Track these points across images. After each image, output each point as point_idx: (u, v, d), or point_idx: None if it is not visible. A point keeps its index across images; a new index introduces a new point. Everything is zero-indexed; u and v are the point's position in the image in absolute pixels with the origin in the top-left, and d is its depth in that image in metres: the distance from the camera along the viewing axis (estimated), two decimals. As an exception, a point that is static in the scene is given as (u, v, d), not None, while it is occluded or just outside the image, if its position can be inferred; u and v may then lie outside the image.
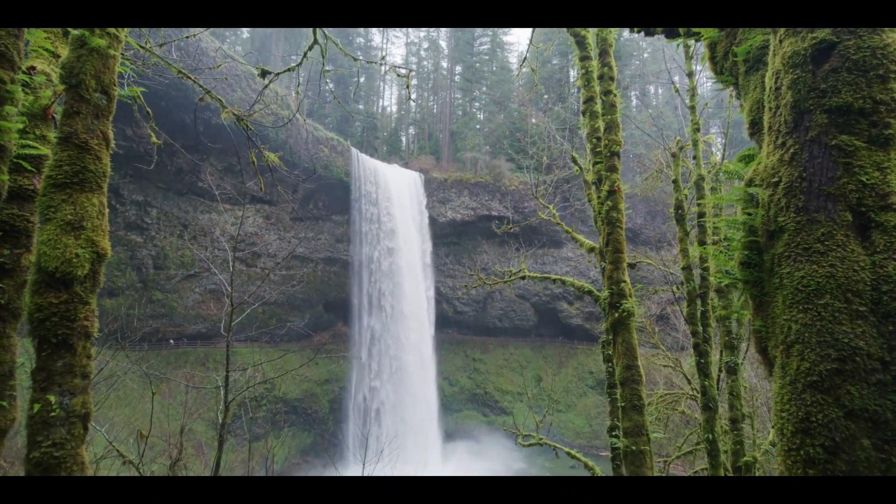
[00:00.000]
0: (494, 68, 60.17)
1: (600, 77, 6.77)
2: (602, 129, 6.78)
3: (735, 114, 11.37)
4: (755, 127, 2.51)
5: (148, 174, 28.71)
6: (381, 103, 66.00)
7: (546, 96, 53.10)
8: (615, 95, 6.62)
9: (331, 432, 37.55)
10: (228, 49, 37.56)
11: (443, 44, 63.86)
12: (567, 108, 47.72)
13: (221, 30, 47.60)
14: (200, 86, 5.95)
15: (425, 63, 65.77)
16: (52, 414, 2.95)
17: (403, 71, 6.60)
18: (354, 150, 39.89)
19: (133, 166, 27.21)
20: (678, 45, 8.82)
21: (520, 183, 45.53)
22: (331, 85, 6.55)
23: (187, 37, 6.02)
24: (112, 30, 3.53)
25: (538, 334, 50.73)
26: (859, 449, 1.62)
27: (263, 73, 5.97)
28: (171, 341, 32.90)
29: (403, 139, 63.80)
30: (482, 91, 59.57)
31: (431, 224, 44.30)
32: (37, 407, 2.94)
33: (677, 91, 10.99)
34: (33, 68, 3.74)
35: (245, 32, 54.29)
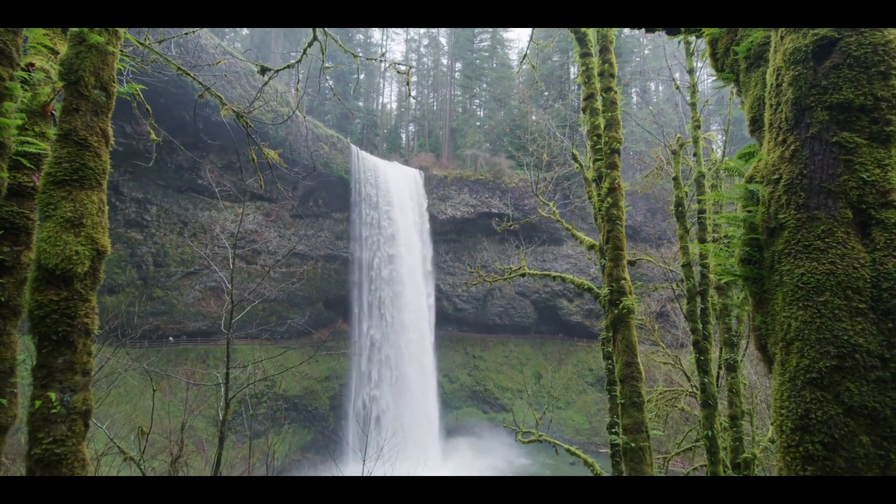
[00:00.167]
0: (494, 65, 59.94)
1: (601, 74, 6.75)
2: (602, 126, 6.77)
3: (736, 111, 11.36)
4: (756, 124, 2.50)
5: (147, 171, 28.68)
6: (380, 100, 65.86)
7: (546, 93, 52.94)
8: (616, 92, 6.60)
9: (331, 429, 37.63)
10: (228, 46, 37.44)
11: (443, 40, 63.62)
12: (567, 105, 47.65)
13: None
14: (200, 83, 5.94)
15: (425, 60, 65.55)
16: (53, 411, 2.95)
17: (403, 68, 6.58)
18: (354, 148, 39.75)
19: (133, 163, 27.17)
20: (679, 41, 8.79)
21: (520, 180, 45.44)
22: (330, 82, 6.54)
23: (186, 33, 6.01)
24: (111, 26, 3.51)
25: (538, 331, 50.79)
26: (858, 446, 1.63)
27: (263, 70, 5.95)
28: (172, 338, 32.94)
29: (403, 136, 63.66)
30: (482, 88, 59.38)
31: (431, 221, 44.02)
32: (38, 404, 2.95)
33: (678, 88, 10.96)
34: (32, 65, 3.73)
35: (244, 29, 54.10)
